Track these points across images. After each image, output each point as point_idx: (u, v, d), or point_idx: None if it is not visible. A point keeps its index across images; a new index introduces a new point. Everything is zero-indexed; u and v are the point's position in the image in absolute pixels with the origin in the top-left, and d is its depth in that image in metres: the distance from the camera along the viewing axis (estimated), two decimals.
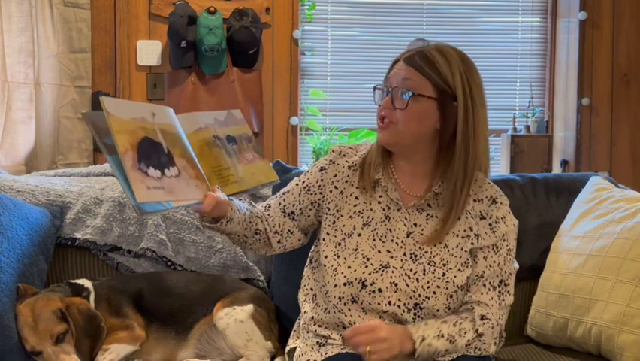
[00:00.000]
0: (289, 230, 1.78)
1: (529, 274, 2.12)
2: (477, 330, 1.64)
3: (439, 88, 1.62)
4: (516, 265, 1.75)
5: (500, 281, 1.70)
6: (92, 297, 1.96)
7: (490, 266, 1.69)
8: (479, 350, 1.66)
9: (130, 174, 1.39)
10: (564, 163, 4.23)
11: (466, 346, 1.64)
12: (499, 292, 1.69)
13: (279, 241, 1.78)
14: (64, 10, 3.73)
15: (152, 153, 1.47)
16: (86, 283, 2.00)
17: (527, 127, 4.18)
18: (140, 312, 1.99)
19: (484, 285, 1.68)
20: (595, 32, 4.15)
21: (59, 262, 2.17)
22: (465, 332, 1.63)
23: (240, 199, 1.74)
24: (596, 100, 4.17)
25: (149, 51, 3.92)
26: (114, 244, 2.19)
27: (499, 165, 4.11)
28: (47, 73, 3.69)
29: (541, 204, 2.24)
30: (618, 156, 4.20)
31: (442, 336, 1.61)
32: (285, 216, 1.78)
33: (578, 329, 1.92)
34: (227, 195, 1.62)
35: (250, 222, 1.72)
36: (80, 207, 2.22)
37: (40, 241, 2.05)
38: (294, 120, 4.06)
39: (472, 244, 1.69)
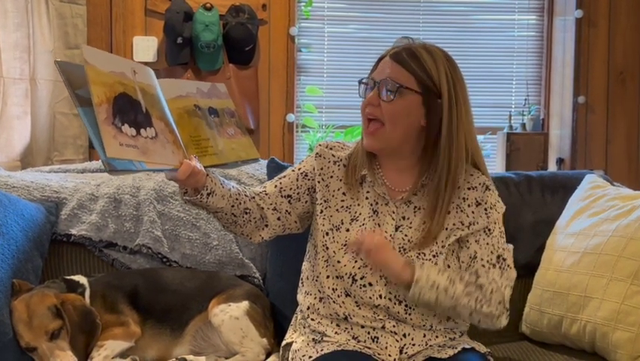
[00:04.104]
0: (287, 210, 1.77)
1: (524, 271, 2.11)
2: (477, 280, 1.62)
3: (424, 84, 1.64)
4: (510, 246, 1.73)
5: (498, 257, 1.68)
6: (87, 293, 1.95)
7: (483, 247, 1.68)
8: (479, 302, 1.61)
9: (102, 127, 1.33)
10: (560, 161, 4.24)
11: (465, 294, 1.59)
12: (500, 267, 1.67)
13: (278, 218, 1.76)
14: (60, 5, 3.72)
15: (129, 110, 1.42)
16: (81, 279, 2.00)
17: (523, 125, 4.19)
18: (135, 308, 1.98)
19: (483, 265, 1.66)
20: (591, 30, 4.15)
21: (54, 258, 2.16)
22: (462, 278, 1.61)
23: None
24: (591, 98, 4.18)
25: (145, 47, 3.91)
26: (109, 241, 2.19)
27: (495, 163, 4.11)
28: (43, 69, 3.68)
29: (537, 202, 2.24)
30: (614, 154, 4.21)
31: (444, 273, 1.60)
32: (282, 197, 1.77)
33: (572, 327, 1.92)
34: (205, 167, 1.59)
35: (237, 199, 1.69)
36: (76, 204, 2.22)
37: (35, 237, 2.04)
38: (290, 117, 4.06)
39: (463, 231, 1.68)
